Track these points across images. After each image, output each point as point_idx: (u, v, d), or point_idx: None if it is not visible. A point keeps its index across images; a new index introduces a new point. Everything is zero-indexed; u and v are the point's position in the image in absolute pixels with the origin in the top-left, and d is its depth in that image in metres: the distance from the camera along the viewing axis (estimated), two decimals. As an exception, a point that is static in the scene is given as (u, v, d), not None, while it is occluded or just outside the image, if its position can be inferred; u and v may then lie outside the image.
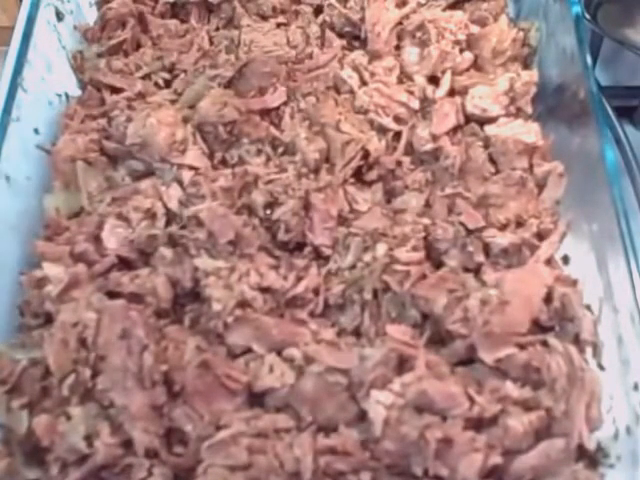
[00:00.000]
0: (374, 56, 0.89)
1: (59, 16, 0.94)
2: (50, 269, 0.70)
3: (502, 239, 0.72)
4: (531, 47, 0.93)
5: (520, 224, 0.75)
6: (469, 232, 0.74)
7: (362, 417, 0.63)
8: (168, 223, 0.74)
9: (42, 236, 0.76)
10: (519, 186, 0.78)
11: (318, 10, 0.96)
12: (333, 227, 0.74)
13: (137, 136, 0.79)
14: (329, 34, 0.93)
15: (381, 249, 0.71)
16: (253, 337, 0.66)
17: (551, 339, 0.65)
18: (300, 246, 0.75)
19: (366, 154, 0.80)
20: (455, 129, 0.83)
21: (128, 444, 0.62)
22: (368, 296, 0.69)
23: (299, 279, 0.70)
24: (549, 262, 0.73)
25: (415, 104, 0.84)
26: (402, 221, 0.74)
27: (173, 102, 0.85)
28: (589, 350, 0.67)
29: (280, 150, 0.81)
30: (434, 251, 0.73)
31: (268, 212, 0.74)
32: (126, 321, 0.64)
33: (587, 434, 0.62)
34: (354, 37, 0.94)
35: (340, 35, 0.93)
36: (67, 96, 0.91)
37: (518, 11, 1.00)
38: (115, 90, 0.88)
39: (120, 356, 0.62)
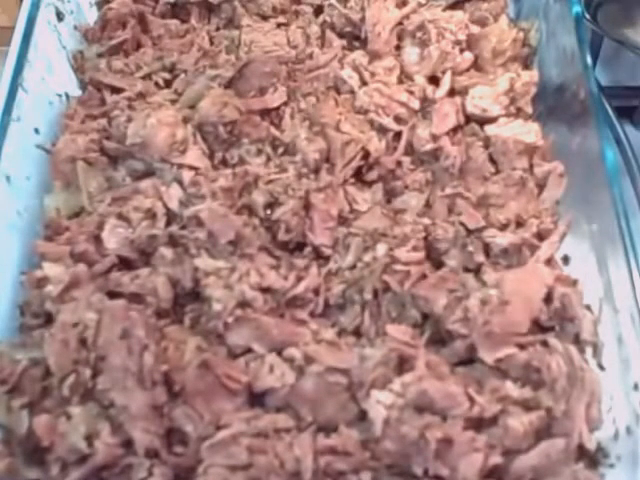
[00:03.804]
0: (374, 56, 0.89)
1: (59, 16, 0.94)
2: (50, 269, 0.70)
3: (502, 239, 0.72)
4: (531, 47, 0.93)
5: (520, 224, 0.75)
6: (469, 232, 0.74)
7: (362, 417, 0.63)
8: (168, 223, 0.74)
9: (42, 236, 0.76)
10: (519, 186, 0.78)
11: (318, 10, 0.96)
12: (333, 227, 0.74)
13: (137, 136, 0.79)
14: (329, 34, 0.93)
15: (381, 249, 0.71)
16: (253, 337, 0.66)
17: (551, 339, 0.65)
18: (300, 246, 0.75)
19: (366, 154, 0.80)
20: (455, 129, 0.83)
21: (128, 444, 0.62)
22: (368, 296, 0.69)
23: (299, 279, 0.70)
24: (549, 262, 0.73)
25: (415, 104, 0.84)
26: (402, 221, 0.75)
27: (173, 102, 0.85)
28: (589, 350, 0.67)
29: (280, 150, 0.81)
30: (434, 251, 0.73)
31: (268, 212, 0.74)
32: (126, 321, 0.64)
33: (587, 434, 0.62)
34: (354, 37, 0.93)
35: (340, 35, 0.93)
36: (67, 96, 0.91)
37: (518, 11, 1.00)
38: (115, 90, 0.88)
39: (120, 356, 0.62)
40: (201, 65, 0.89)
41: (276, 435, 0.61)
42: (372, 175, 0.80)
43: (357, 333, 0.69)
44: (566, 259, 0.75)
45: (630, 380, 0.64)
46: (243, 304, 0.67)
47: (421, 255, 0.72)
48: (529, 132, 0.82)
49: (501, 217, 0.75)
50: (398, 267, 0.70)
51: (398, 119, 0.83)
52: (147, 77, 0.89)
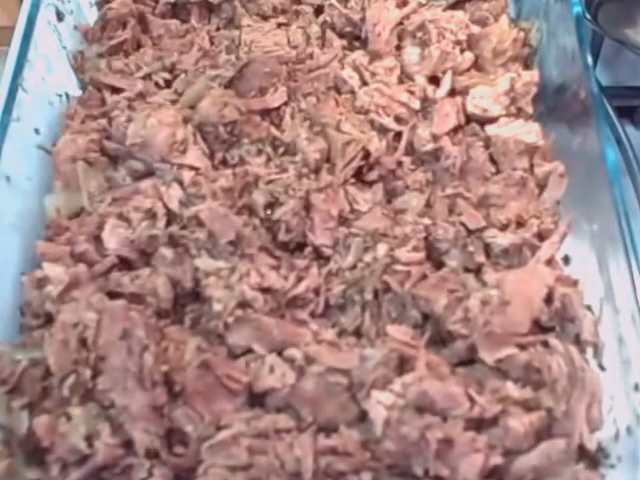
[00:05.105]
0: (375, 56, 0.89)
1: (59, 16, 0.94)
2: (51, 269, 0.70)
3: (503, 239, 0.72)
4: (532, 47, 0.93)
5: (521, 224, 0.75)
6: (470, 232, 0.74)
7: (363, 417, 0.63)
8: (168, 223, 0.74)
9: (43, 236, 0.76)
10: (520, 186, 0.78)
11: (319, 10, 0.96)
12: (334, 227, 0.74)
13: (137, 136, 0.79)
14: (330, 34, 0.93)
15: (382, 249, 0.71)
16: (254, 337, 0.66)
17: (552, 339, 0.65)
18: (301, 246, 0.75)
19: (367, 154, 0.80)
20: (456, 129, 0.83)
21: (129, 444, 0.62)
22: (369, 296, 0.69)
23: (300, 279, 0.70)
24: (550, 262, 0.72)
25: (416, 104, 0.84)
26: (403, 221, 0.75)
27: (173, 102, 0.85)
28: (590, 350, 0.67)
29: (281, 150, 0.81)
30: (435, 251, 0.73)
31: (269, 212, 0.74)
32: (126, 321, 0.64)
33: (588, 434, 0.62)
34: (355, 37, 0.94)
35: (341, 35, 0.93)
36: (67, 96, 0.91)
37: (519, 11, 1.00)
38: (115, 90, 0.88)
39: (120, 356, 0.62)
40: (201, 65, 0.89)
41: (276, 435, 0.61)
42: (372, 175, 0.80)
43: (357, 333, 0.69)
44: (567, 259, 0.75)
45: (631, 380, 0.64)
46: (243, 304, 0.67)
47: (421, 255, 0.72)
48: (530, 132, 0.82)
49: (502, 217, 0.75)
50: (398, 267, 0.70)
51: (398, 119, 0.83)
52: (147, 77, 0.89)
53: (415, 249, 0.72)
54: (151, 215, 0.74)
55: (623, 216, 0.69)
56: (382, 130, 0.82)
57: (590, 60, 0.81)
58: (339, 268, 0.72)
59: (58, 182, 0.80)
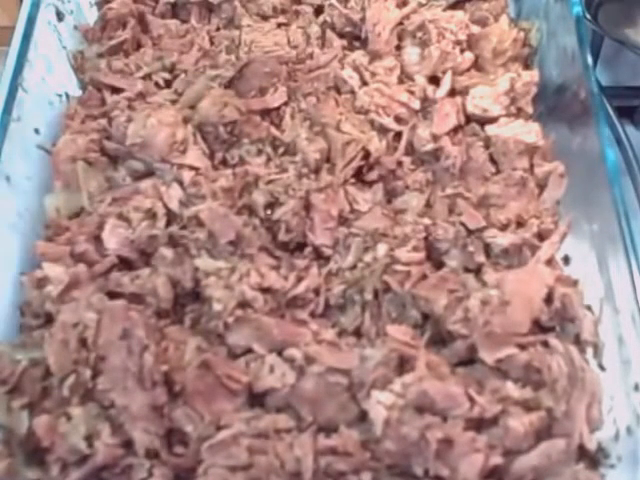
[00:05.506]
0: (375, 56, 0.89)
1: (59, 16, 0.94)
2: (50, 269, 0.70)
3: (503, 239, 0.72)
4: (532, 47, 0.93)
5: (521, 224, 0.75)
6: (470, 232, 0.74)
7: (363, 417, 0.63)
8: (168, 223, 0.74)
9: (42, 236, 0.76)
10: (520, 186, 0.78)
11: (319, 10, 0.96)
12: (334, 227, 0.74)
13: (137, 136, 0.79)
14: (330, 34, 0.93)
15: (382, 249, 0.71)
16: (254, 337, 0.66)
17: (552, 339, 0.65)
18: (301, 246, 0.75)
19: (367, 154, 0.80)
20: (456, 129, 0.83)
21: (129, 444, 0.62)
22: (369, 296, 0.69)
23: (300, 279, 0.70)
24: (550, 262, 0.72)
25: (416, 104, 0.84)
26: (403, 221, 0.75)
27: (173, 102, 0.85)
28: (590, 350, 0.67)
29: (281, 150, 0.81)
30: (435, 251, 0.73)
31: (269, 212, 0.74)
32: (126, 321, 0.64)
33: (588, 434, 0.62)
34: (355, 37, 0.93)
35: (341, 35, 0.93)
36: (67, 96, 0.91)
37: (519, 11, 1.00)
38: (115, 90, 0.88)
39: (120, 356, 0.62)
40: (201, 65, 0.89)
41: (276, 435, 0.61)
42: (372, 175, 0.80)
43: (357, 333, 0.69)
44: (567, 259, 0.75)
45: (631, 380, 0.64)
46: (243, 304, 0.67)
47: (421, 255, 0.72)
48: (530, 132, 0.82)
49: (502, 217, 0.75)
50: (398, 267, 0.70)
51: (398, 119, 0.83)
52: (147, 77, 0.89)
53: (415, 249, 0.72)
54: (151, 215, 0.74)
55: (623, 216, 0.69)
56: (382, 130, 0.82)
57: (590, 60, 0.81)
58: (339, 268, 0.72)
59: (58, 182, 0.80)
